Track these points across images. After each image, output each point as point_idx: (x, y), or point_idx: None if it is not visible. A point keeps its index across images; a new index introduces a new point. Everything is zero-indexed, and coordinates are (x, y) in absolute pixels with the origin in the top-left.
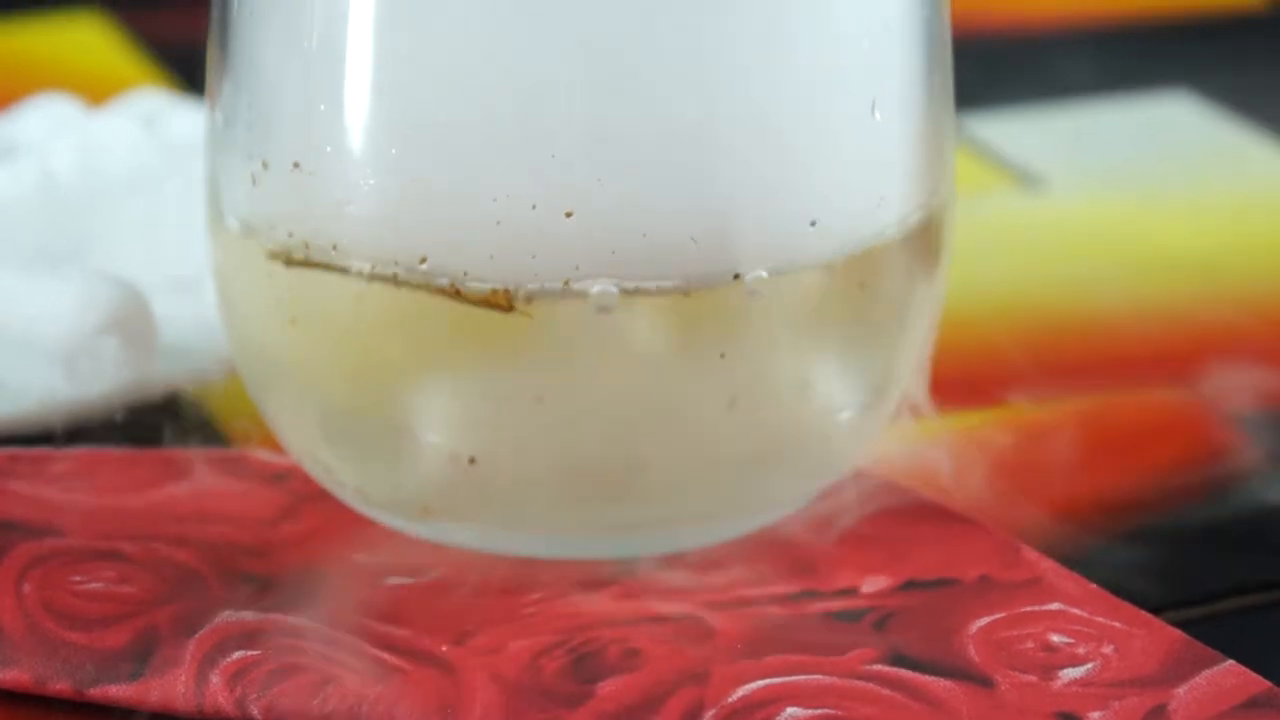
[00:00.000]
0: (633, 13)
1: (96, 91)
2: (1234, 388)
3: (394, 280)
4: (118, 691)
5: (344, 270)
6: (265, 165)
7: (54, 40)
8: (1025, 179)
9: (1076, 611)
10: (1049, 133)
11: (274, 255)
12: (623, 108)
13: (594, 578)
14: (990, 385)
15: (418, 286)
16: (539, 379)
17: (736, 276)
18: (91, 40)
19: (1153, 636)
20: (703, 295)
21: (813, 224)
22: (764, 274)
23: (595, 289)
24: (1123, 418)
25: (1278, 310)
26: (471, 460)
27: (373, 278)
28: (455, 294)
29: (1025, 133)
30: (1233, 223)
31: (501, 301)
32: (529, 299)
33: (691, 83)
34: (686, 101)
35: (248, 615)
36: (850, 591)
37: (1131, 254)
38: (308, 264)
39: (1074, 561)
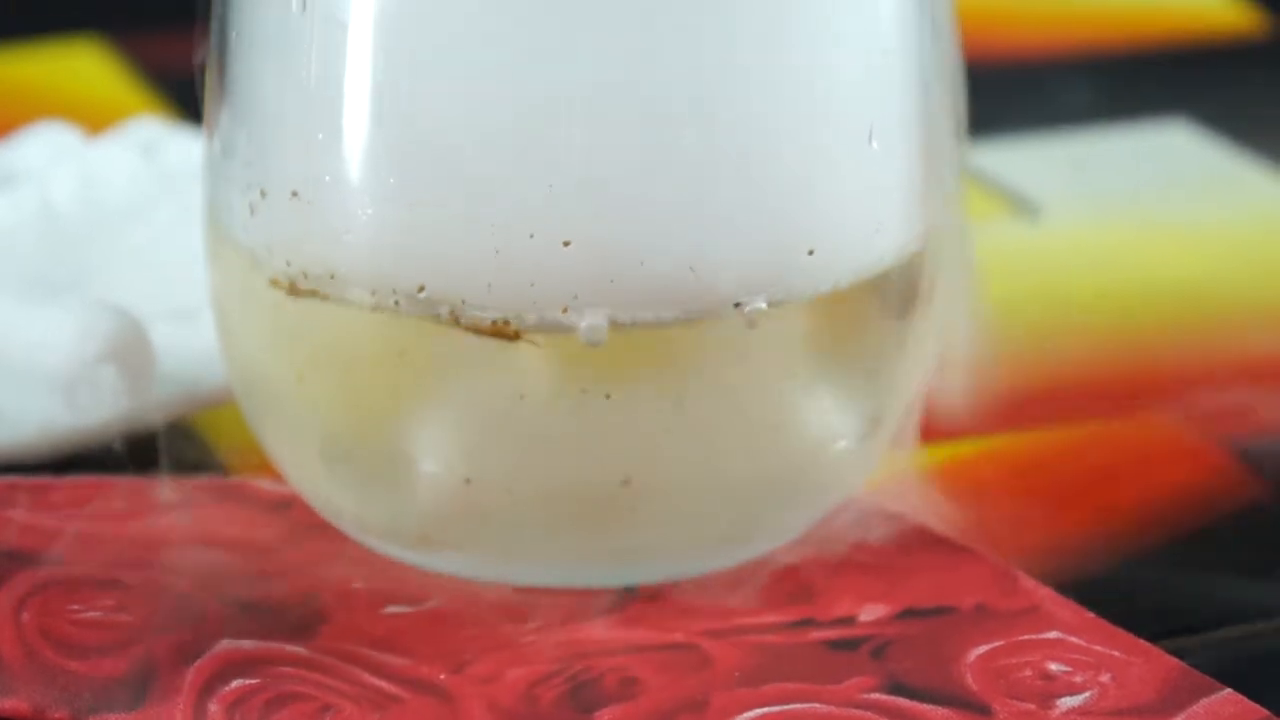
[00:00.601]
0: (630, 42)
1: (95, 118)
2: (1232, 415)
3: (392, 309)
4: None
5: (342, 299)
6: (263, 194)
7: (52, 67)
8: (1023, 207)
9: (1074, 640)
10: (1047, 160)
11: (272, 284)
12: (621, 137)
13: (592, 606)
14: (989, 412)
15: (416, 315)
16: (535, 408)
17: (735, 306)
18: (90, 67)
19: (1150, 665)
20: (700, 324)
21: (810, 253)
22: (762, 304)
23: (585, 321)
24: (1121, 445)
25: (1275, 337)
26: (468, 487)
27: (371, 307)
28: (456, 323)
29: (1023, 160)
30: (1230, 250)
31: (507, 331)
32: (527, 328)
33: (689, 111)
34: (684, 130)
35: (246, 644)
36: (848, 620)
37: (1129, 281)
38: (306, 293)
39: (1071, 590)
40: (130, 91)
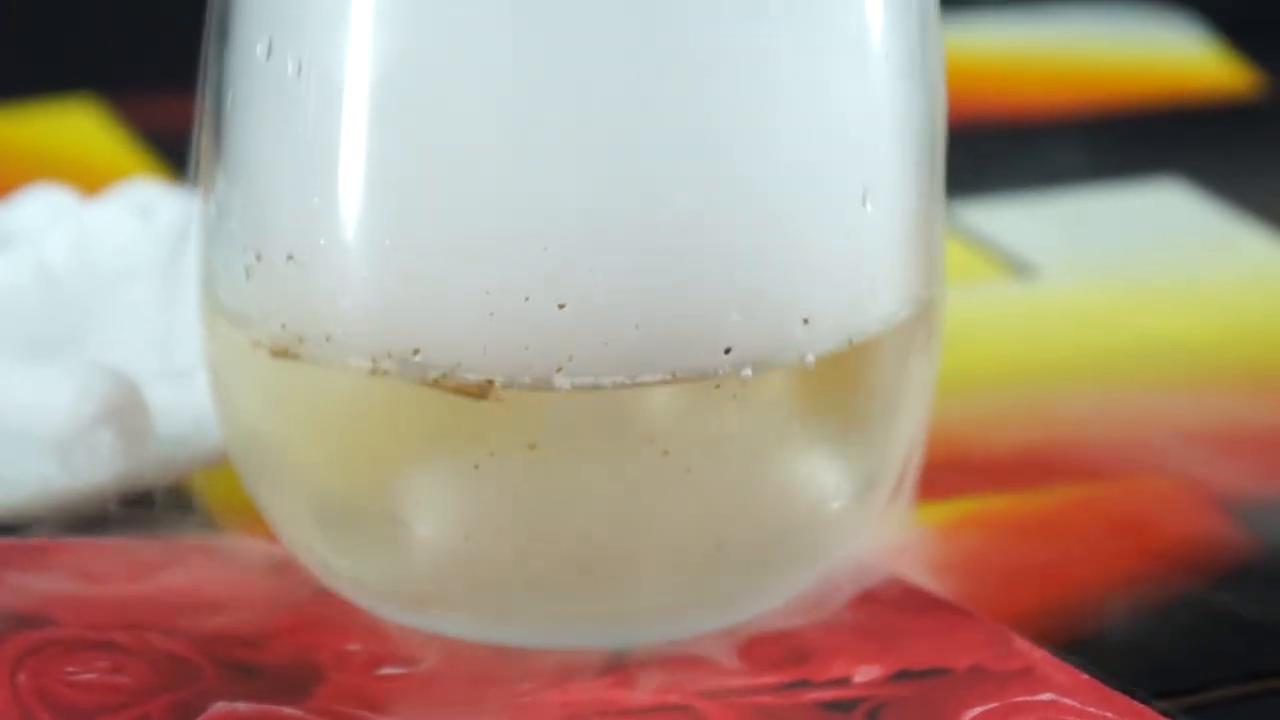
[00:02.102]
0: (624, 106)
1: (91, 179)
2: (1226, 475)
3: (387, 372)
4: None
5: (337, 362)
6: (258, 257)
7: (48, 127)
8: (1017, 267)
9: (1069, 701)
10: (1041, 220)
11: (267, 347)
12: (615, 201)
13: (588, 666)
14: (983, 473)
15: (411, 379)
16: (526, 470)
17: (729, 368)
18: (85, 127)
19: None
20: (694, 386)
21: (805, 315)
22: (756, 366)
23: (579, 384)
24: (1116, 505)
25: (1270, 397)
26: (462, 549)
27: (366, 370)
28: (445, 385)
29: (1017, 220)
30: (1224, 309)
31: (473, 390)
32: (514, 390)
33: (683, 175)
34: (678, 194)
35: (241, 706)
36: (842, 681)
37: (1124, 341)
38: (301, 356)
39: (1066, 651)
40: (126, 152)
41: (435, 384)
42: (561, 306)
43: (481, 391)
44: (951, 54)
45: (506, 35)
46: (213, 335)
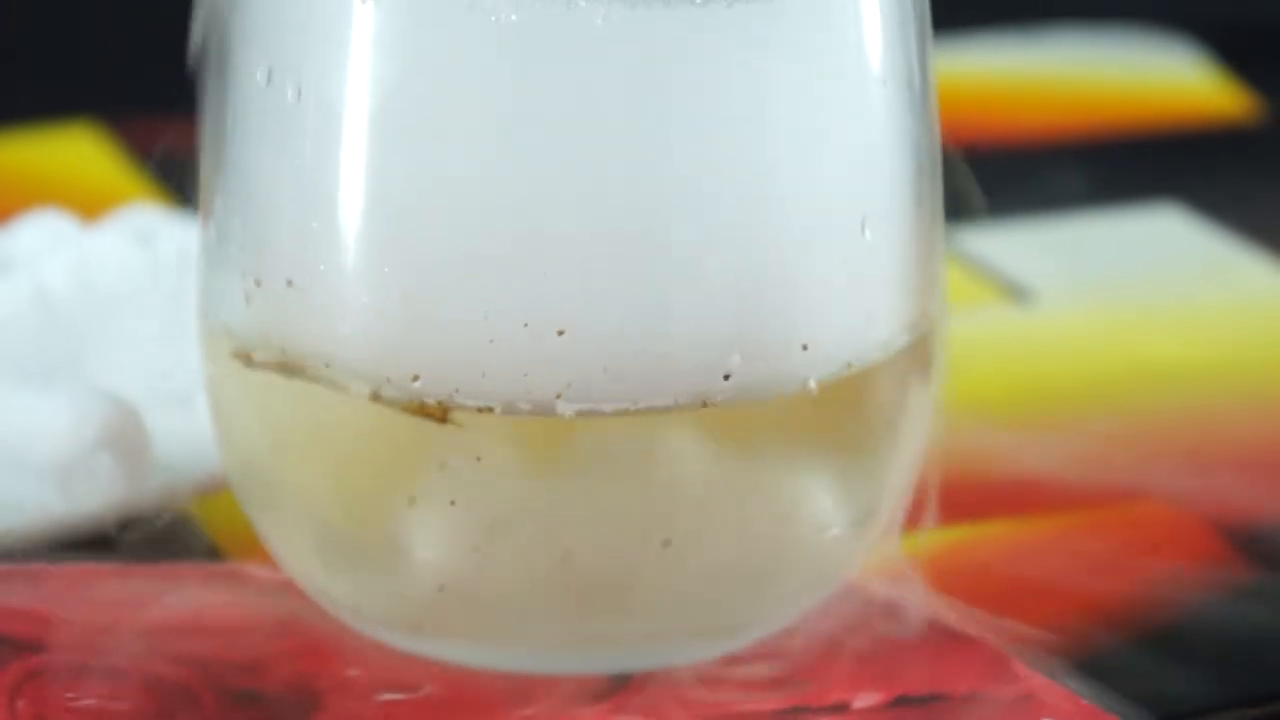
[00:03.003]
0: (624, 135)
1: (91, 203)
2: (1226, 499)
3: (386, 398)
4: None
5: (337, 388)
6: (258, 283)
7: (48, 151)
8: (1016, 292)
9: None
10: (1040, 246)
11: (267, 372)
12: (614, 227)
13: (587, 692)
14: (981, 498)
15: (409, 405)
16: (526, 497)
17: (728, 395)
18: (85, 151)
19: None
20: (693, 413)
21: (804, 342)
22: (756, 392)
23: (578, 411)
24: (1115, 530)
25: (1268, 424)
26: (460, 575)
27: (365, 395)
28: (445, 410)
29: (1015, 246)
30: (1223, 334)
31: (434, 413)
32: (517, 418)
33: (682, 202)
34: (677, 221)
35: None
36: (841, 707)
37: (1123, 366)
38: (301, 381)
39: (1065, 676)
40: (126, 176)
41: (423, 411)
42: (561, 333)
43: (443, 414)
44: (950, 79)
45: (505, 62)
46: (212, 360)
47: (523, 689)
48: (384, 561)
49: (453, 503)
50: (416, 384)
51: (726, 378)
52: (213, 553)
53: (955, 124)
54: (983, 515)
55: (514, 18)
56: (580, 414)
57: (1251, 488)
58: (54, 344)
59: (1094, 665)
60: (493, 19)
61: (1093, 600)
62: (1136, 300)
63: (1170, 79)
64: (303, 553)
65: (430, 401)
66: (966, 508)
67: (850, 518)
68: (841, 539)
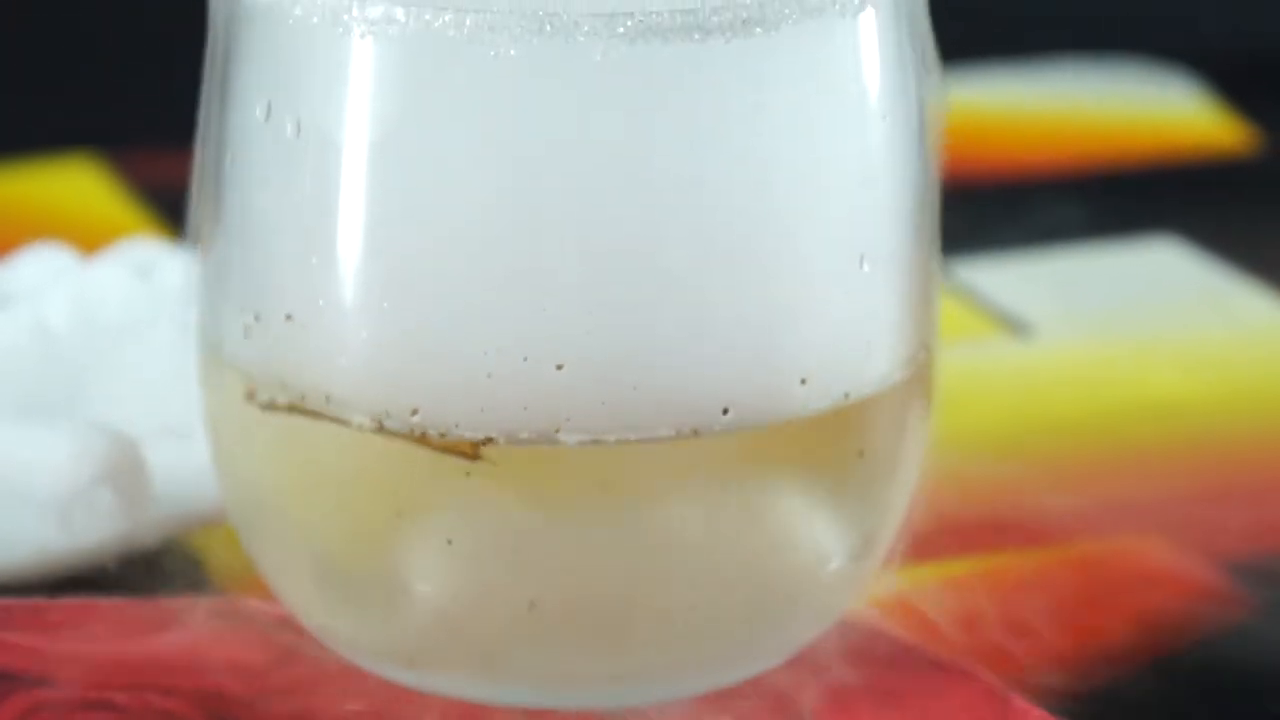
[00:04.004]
0: (622, 170)
1: (90, 235)
2: (1223, 534)
3: (386, 432)
4: None
5: (336, 422)
6: (257, 317)
7: (48, 184)
8: (1014, 325)
9: None
10: (1037, 279)
11: (266, 407)
12: (613, 262)
13: None
14: (980, 532)
15: (409, 438)
16: (523, 529)
17: (727, 428)
18: (85, 185)
19: None
20: (691, 446)
21: (802, 376)
22: (754, 425)
23: (574, 440)
24: (1113, 564)
25: (1267, 456)
26: (458, 609)
27: (365, 429)
28: (425, 441)
29: (1013, 279)
30: (1221, 367)
31: (468, 452)
32: (511, 449)
33: (680, 236)
34: (676, 255)
35: None
36: None
37: (1121, 399)
38: (300, 415)
39: (1064, 710)
40: (126, 209)
41: (422, 441)
42: (560, 367)
43: (474, 451)
44: (948, 112)
45: (504, 97)
46: (212, 395)
47: None
48: (384, 595)
49: (449, 540)
50: (415, 418)
51: (725, 411)
52: (212, 587)
53: (953, 156)
54: (980, 549)
55: (513, 52)
56: (579, 447)
57: (1252, 521)
58: (54, 378)
59: (1093, 700)
60: (491, 54)
61: (1092, 635)
62: (1134, 333)
63: (1168, 112)
64: (302, 586)
65: (461, 437)
66: (964, 541)
67: (848, 551)
68: (839, 572)
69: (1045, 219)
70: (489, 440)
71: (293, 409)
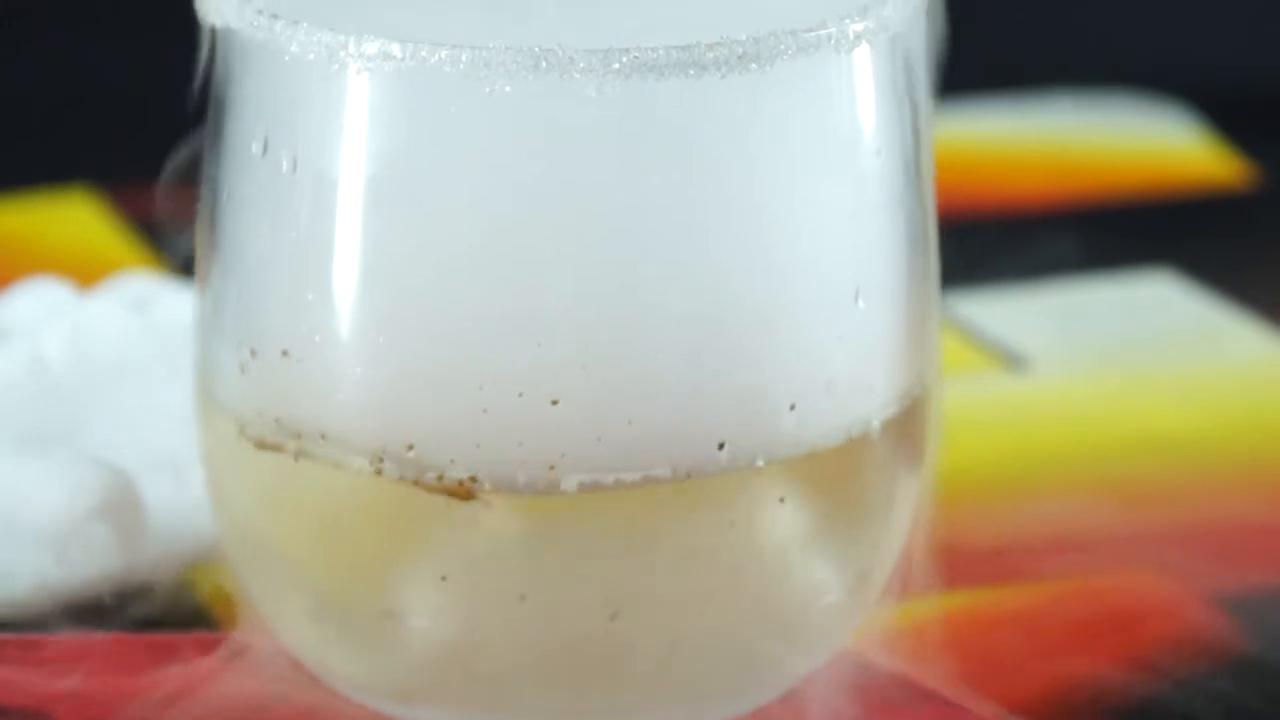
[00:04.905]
0: (617, 205)
1: (86, 269)
2: (1220, 568)
3: (381, 469)
4: None
5: (332, 458)
6: (254, 353)
7: (44, 218)
8: (1010, 359)
9: None
10: (1033, 312)
11: (262, 443)
12: (608, 298)
13: None
14: (975, 566)
15: (404, 475)
16: (517, 566)
17: (722, 464)
18: (81, 218)
19: None
20: (687, 483)
21: (798, 411)
22: (750, 462)
23: (572, 481)
24: (1108, 598)
25: (1261, 491)
26: (452, 645)
27: (359, 466)
28: (438, 482)
29: (1009, 313)
30: (1218, 402)
31: (462, 492)
32: (505, 489)
33: (675, 272)
34: (671, 291)
35: None
36: None
37: (1117, 433)
38: (296, 452)
39: None
40: (122, 243)
41: (417, 482)
42: (554, 403)
43: (467, 492)
44: (943, 146)
45: (499, 134)
46: (208, 430)
47: None
48: (380, 632)
49: (449, 574)
50: (411, 453)
51: (721, 446)
52: (208, 622)
53: (950, 190)
54: (975, 583)
55: (508, 89)
56: (576, 483)
57: (1246, 557)
58: (50, 412)
59: None
60: (487, 90)
61: (1086, 670)
62: (1130, 367)
63: (1164, 146)
64: (298, 621)
65: (454, 477)
66: (959, 575)
67: (845, 585)
68: (836, 607)
69: (1041, 253)
70: (474, 479)
71: (285, 448)
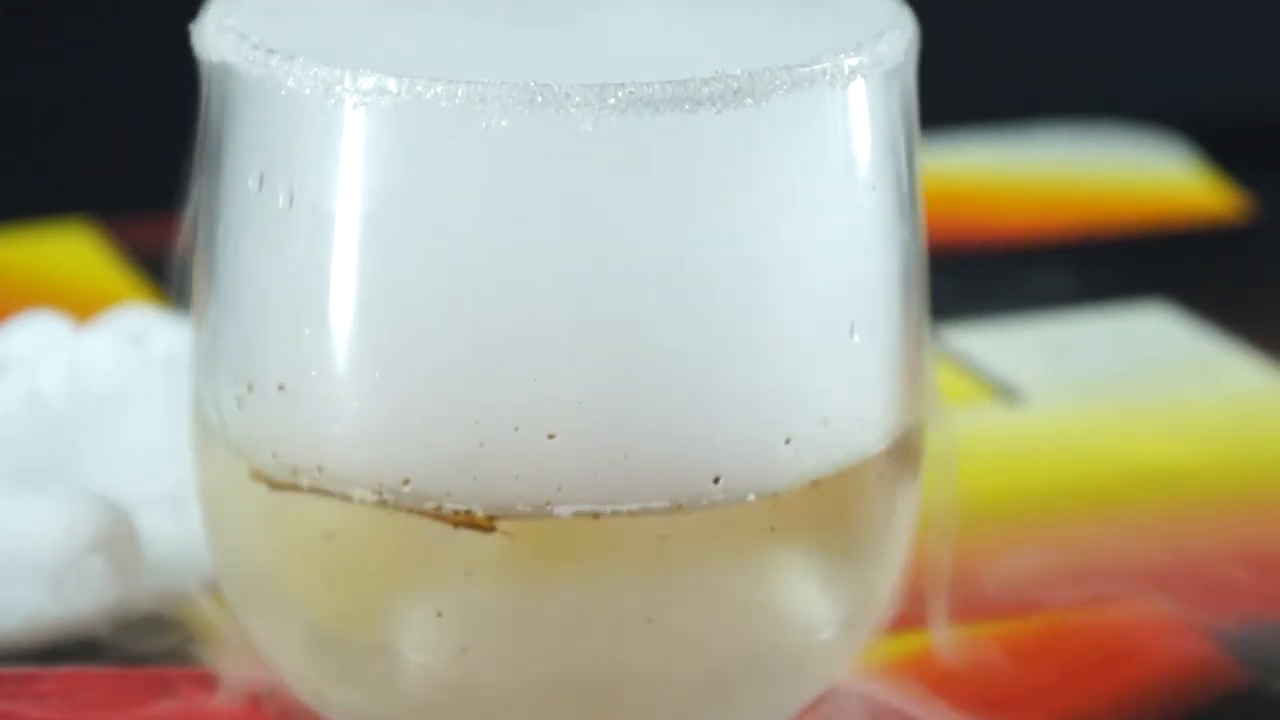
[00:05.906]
0: (612, 240)
1: (84, 303)
2: (1215, 602)
3: (378, 503)
4: None
5: (329, 493)
6: (250, 387)
7: (40, 251)
8: (1004, 391)
9: None
10: (1027, 345)
11: (258, 477)
12: (603, 332)
13: None
14: (969, 600)
15: (402, 509)
16: (515, 600)
17: (717, 497)
18: (78, 251)
19: None
20: (683, 516)
21: (793, 445)
22: (744, 494)
23: (569, 511)
24: (1104, 630)
25: (1258, 524)
26: (451, 677)
27: (356, 499)
28: (437, 514)
29: (1003, 345)
30: (1212, 434)
31: (481, 523)
32: (511, 519)
33: (670, 307)
34: (666, 326)
35: None
36: None
37: (1111, 466)
38: (292, 486)
39: None
40: (119, 276)
41: (412, 512)
42: (551, 436)
43: (489, 524)
44: (937, 178)
45: (495, 168)
46: (204, 464)
47: None
48: (378, 665)
49: (447, 607)
50: (407, 487)
51: (716, 480)
52: (204, 656)
53: (944, 223)
54: (969, 617)
55: (504, 124)
56: (572, 516)
57: (1243, 590)
58: (46, 446)
59: None
60: (483, 125)
61: (1082, 704)
62: (1125, 400)
63: (1159, 178)
64: (295, 655)
65: (474, 511)
66: (954, 609)
67: (840, 619)
68: (831, 641)
69: (1036, 285)
70: (469, 512)
71: (282, 482)
